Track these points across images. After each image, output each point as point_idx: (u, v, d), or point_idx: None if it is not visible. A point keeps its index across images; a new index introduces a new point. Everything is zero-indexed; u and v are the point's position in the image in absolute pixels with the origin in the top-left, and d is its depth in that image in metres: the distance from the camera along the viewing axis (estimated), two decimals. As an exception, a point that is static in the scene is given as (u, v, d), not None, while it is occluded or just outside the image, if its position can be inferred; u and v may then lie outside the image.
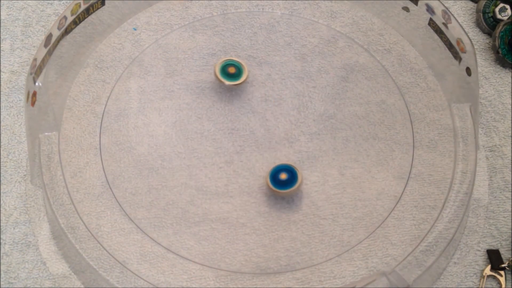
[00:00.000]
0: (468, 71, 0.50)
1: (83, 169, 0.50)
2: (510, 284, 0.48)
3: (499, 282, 0.48)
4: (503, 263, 0.48)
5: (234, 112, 0.53)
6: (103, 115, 0.52)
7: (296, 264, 0.47)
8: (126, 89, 0.54)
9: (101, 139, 0.51)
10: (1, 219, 0.50)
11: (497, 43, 0.57)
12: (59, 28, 0.50)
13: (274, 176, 0.49)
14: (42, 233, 0.49)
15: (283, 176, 0.48)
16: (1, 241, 0.49)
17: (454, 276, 0.48)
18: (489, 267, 0.48)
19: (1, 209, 0.50)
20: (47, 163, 0.49)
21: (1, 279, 0.48)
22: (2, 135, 0.53)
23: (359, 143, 0.51)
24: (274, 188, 0.48)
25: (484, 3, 0.59)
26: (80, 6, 0.51)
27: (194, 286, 0.46)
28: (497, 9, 0.58)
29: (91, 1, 0.52)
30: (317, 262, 0.47)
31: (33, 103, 0.49)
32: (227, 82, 0.52)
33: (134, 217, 0.48)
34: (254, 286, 0.46)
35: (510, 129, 0.54)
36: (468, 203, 0.48)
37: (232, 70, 0.52)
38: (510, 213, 0.50)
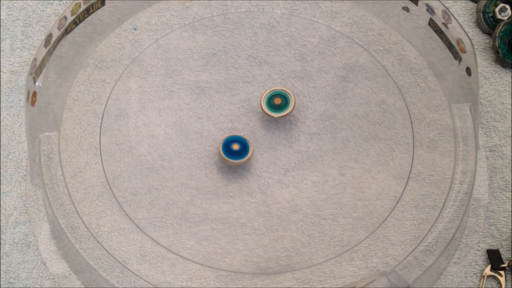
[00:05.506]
0: (468, 71, 0.50)
1: (83, 169, 0.50)
2: (510, 284, 0.48)
3: (499, 282, 0.48)
4: (503, 263, 0.48)
5: (234, 112, 0.53)
6: (103, 115, 0.52)
7: (296, 264, 0.46)
8: (126, 89, 0.54)
9: (101, 139, 0.51)
10: (1, 219, 0.50)
11: (497, 43, 0.57)
12: (59, 28, 0.50)
13: (226, 146, 0.50)
14: (42, 233, 0.49)
15: (235, 146, 0.50)
16: (1, 241, 0.49)
17: (454, 276, 0.48)
18: (489, 267, 0.48)
19: (1, 209, 0.50)
20: (47, 163, 0.49)
21: (1, 279, 0.48)
22: (2, 135, 0.53)
23: (359, 143, 0.51)
24: (226, 157, 0.49)
25: (484, 3, 0.58)
26: (80, 6, 0.51)
27: (194, 286, 0.46)
28: (497, 9, 0.58)
29: (91, 1, 0.52)
30: (317, 262, 0.47)
31: (33, 103, 0.49)
32: (276, 115, 0.51)
33: (134, 217, 0.48)
34: (254, 286, 0.46)
35: (510, 129, 0.54)
36: (468, 203, 0.48)
37: (278, 101, 0.51)
38: (510, 213, 0.50)
